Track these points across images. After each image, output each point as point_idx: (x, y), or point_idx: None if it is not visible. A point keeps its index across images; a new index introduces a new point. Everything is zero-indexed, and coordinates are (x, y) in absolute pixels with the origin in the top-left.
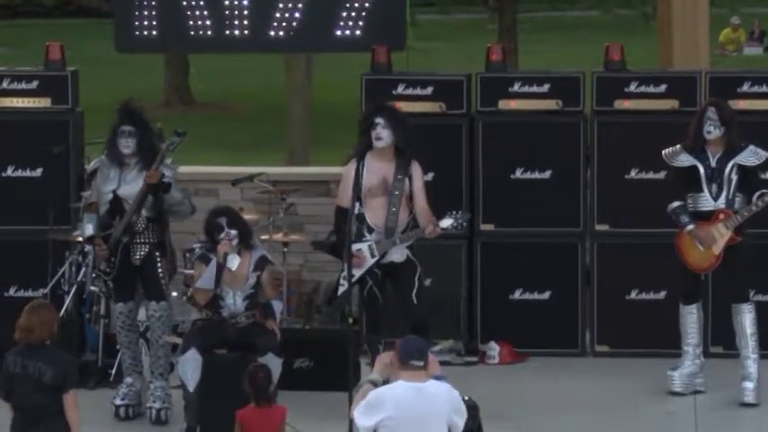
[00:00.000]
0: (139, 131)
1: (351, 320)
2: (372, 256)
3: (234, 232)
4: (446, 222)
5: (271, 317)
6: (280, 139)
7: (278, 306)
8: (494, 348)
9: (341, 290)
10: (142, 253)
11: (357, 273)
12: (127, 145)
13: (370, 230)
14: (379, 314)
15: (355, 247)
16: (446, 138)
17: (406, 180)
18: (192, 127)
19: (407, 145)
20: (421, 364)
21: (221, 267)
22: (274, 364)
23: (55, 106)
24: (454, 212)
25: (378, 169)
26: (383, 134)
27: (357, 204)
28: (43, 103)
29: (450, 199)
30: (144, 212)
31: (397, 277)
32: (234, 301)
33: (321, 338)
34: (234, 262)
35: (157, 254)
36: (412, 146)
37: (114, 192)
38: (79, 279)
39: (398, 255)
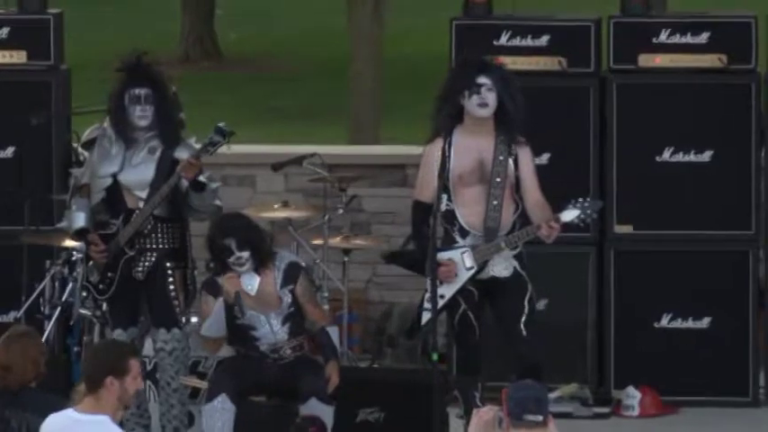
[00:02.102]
0: (159, 96)
1: (436, 357)
2: (467, 268)
3: (245, 255)
4: (569, 215)
5: (331, 355)
6: (339, 108)
7: (332, 334)
8: (633, 396)
9: (424, 316)
10: (147, 263)
11: (446, 292)
12: (144, 114)
13: (464, 233)
14: (475, 349)
15: (443, 256)
16: (567, 106)
17: (511, 162)
18: (219, 90)
19: (516, 116)
20: (540, 418)
21: (232, 307)
22: (323, 414)
23: (32, 62)
24: (580, 201)
25: (472, 149)
26: (489, 99)
27: (444, 197)
28: (16, 57)
29: (571, 190)
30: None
31: (501, 299)
32: (271, 328)
33: (395, 382)
34: (252, 283)
35: (169, 265)
36: (520, 117)
37: (114, 176)
38: (64, 298)
39: (502, 267)
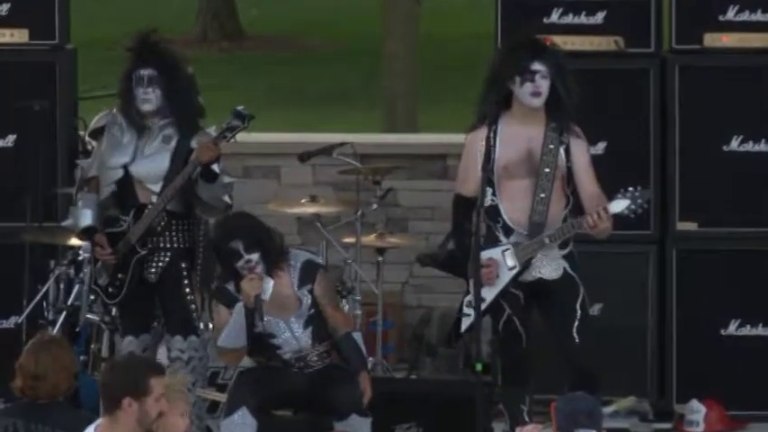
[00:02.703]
0: (166, 77)
1: (479, 367)
2: (509, 267)
3: (255, 257)
4: (617, 206)
5: (360, 365)
6: (372, 92)
7: (360, 341)
8: (697, 410)
9: (464, 322)
10: (160, 264)
11: (487, 295)
12: (146, 97)
13: (508, 231)
14: (521, 358)
15: (485, 255)
16: (624, 90)
17: (562, 152)
18: (239, 73)
19: (569, 103)
20: None
21: (252, 312)
22: (361, 428)
23: (35, 42)
24: (630, 190)
25: (519, 138)
26: (543, 87)
27: (489, 191)
28: (17, 36)
29: (629, 183)
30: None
31: (550, 303)
32: (292, 333)
33: (435, 394)
34: (266, 288)
35: (184, 265)
36: (573, 104)
37: (125, 167)
38: (70, 302)
39: (551, 268)
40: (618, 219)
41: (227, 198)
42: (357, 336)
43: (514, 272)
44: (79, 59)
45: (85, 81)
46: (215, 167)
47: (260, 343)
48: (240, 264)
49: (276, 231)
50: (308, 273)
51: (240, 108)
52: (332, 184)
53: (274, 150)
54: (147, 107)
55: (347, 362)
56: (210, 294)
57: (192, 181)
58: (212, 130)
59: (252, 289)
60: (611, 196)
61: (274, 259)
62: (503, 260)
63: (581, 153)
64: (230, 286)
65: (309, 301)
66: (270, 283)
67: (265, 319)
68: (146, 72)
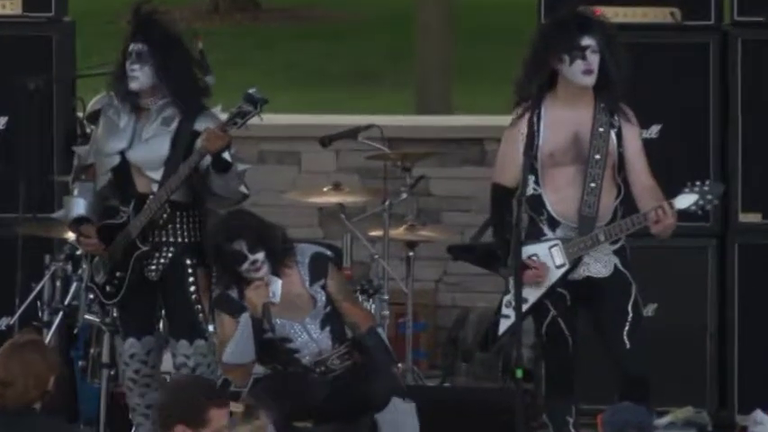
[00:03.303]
0: (158, 52)
1: (520, 374)
2: (557, 265)
3: (260, 257)
4: (684, 201)
5: (387, 361)
6: (402, 69)
7: (382, 335)
8: (761, 422)
9: (502, 324)
10: (162, 261)
11: (530, 295)
12: (133, 74)
13: (554, 224)
14: (567, 364)
15: (529, 250)
16: (681, 67)
17: (613, 136)
18: (255, 48)
19: (619, 81)
20: None
21: (261, 322)
22: (407, 415)
23: (29, 14)
24: (697, 184)
25: (566, 121)
26: (594, 63)
27: (531, 179)
28: (9, 7)
29: (686, 169)
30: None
31: (599, 303)
32: (309, 335)
33: (471, 403)
34: (274, 289)
35: (189, 262)
36: (624, 82)
37: (123, 153)
38: (67, 302)
39: (600, 265)
40: (677, 212)
41: (243, 188)
42: (381, 332)
43: (563, 270)
44: (78, 33)
45: (85, 57)
46: (226, 156)
47: (274, 350)
48: (245, 267)
49: (277, 226)
50: (319, 267)
51: (252, 91)
52: (357, 171)
53: (293, 134)
54: (133, 85)
55: (372, 362)
56: (212, 303)
57: (202, 172)
58: (218, 111)
59: (259, 297)
60: (675, 190)
61: (280, 257)
62: (550, 257)
63: (633, 137)
64: (233, 293)
65: (324, 299)
66: (278, 283)
67: (278, 321)
68: (135, 47)
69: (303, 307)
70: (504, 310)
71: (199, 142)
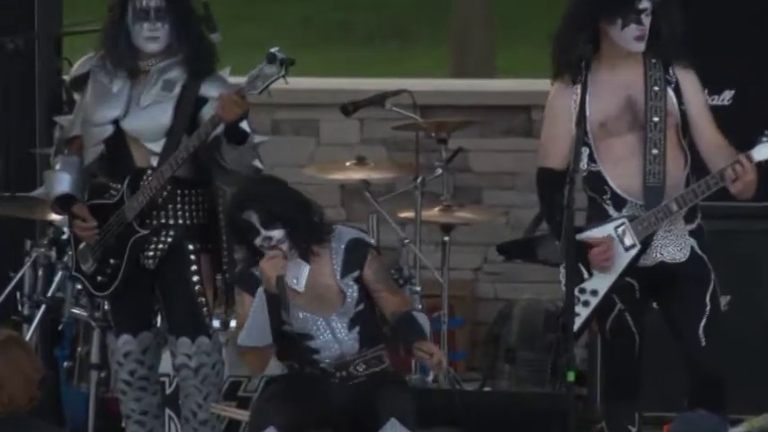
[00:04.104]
0: (176, 7)
1: (573, 377)
2: (626, 247)
3: (277, 234)
4: (764, 151)
5: (417, 335)
6: (437, 26)
7: (426, 318)
8: None
9: (579, 320)
10: (162, 246)
11: (599, 285)
12: (154, 35)
13: (620, 202)
14: (632, 365)
15: (595, 235)
16: (755, 25)
17: (671, 92)
18: (267, 1)
19: (671, 43)
20: None
21: (278, 300)
22: None
23: None
24: None
25: (615, 86)
26: (647, 26)
27: (585, 154)
28: None
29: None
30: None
31: (672, 293)
32: (333, 335)
33: (516, 410)
34: (298, 275)
35: (192, 248)
36: (677, 41)
37: (117, 123)
38: (51, 294)
39: (675, 248)
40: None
41: (257, 162)
42: (420, 316)
43: (633, 252)
44: None
45: (72, 12)
46: (244, 125)
47: (292, 346)
48: (258, 241)
49: (314, 204)
50: (355, 256)
51: (275, 50)
52: (384, 143)
53: (311, 100)
54: (153, 47)
55: (401, 339)
56: (232, 280)
57: (210, 143)
58: (226, 74)
59: (272, 269)
60: (747, 142)
61: (308, 238)
62: (617, 239)
63: (694, 90)
64: (257, 271)
65: (356, 294)
66: (304, 270)
67: (300, 315)
68: (152, 2)
69: (331, 301)
70: (577, 306)
71: (209, 109)
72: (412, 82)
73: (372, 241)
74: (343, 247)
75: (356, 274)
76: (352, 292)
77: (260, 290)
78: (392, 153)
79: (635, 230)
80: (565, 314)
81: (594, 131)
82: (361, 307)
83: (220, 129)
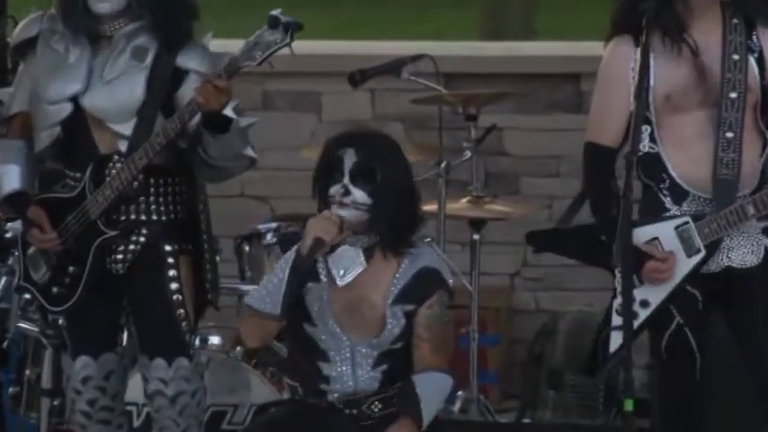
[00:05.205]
0: None
1: (630, 405)
2: (690, 252)
3: (360, 196)
4: None
5: (407, 406)
6: None
7: (444, 382)
8: None
9: (614, 338)
10: (133, 247)
11: (652, 296)
12: None
13: (679, 194)
14: (694, 391)
15: (645, 234)
16: None
17: (753, 63)
18: None
19: None
20: None
21: (303, 268)
22: None
23: None
24: None
25: (687, 51)
26: None
27: (645, 132)
28: None
29: None
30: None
31: (743, 304)
32: (352, 367)
33: None
34: (349, 266)
35: (169, 249)
36: None
37: (76, 99)
38: None
39: (746, 250)
40: None
41: (249, 150)
42: (440, 377)
43: (697, 259)
44: None
45: None
46: (229, 112)
47: (304, 359)
48: (333, 190)
49: (419, 203)
50: (421, 288)
51: (277, 12)
52: (401, 120)
53: (311, 68)
54: (103, 7)
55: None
56: (277, 241)
57: (190, 132)
58: (208, 39)
59: (318, 228)
60: None
61: (386, 231)
62: (678, 242)
63: None
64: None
65: (398, 331)
66: (357, 265)
67: (330, 323)
68: None
69: (368, 325)
70: (616, 320)
71: (191, 86)
72: (434, 45)
73: (450, 279)
74: (413, 271)
75: (411, 308)
76: (395, 325)
77: (292, 249)
78: (410, 132)
79: (701, 233)
80: (622, 327)
81: (658, 105)
82: (398, 346)
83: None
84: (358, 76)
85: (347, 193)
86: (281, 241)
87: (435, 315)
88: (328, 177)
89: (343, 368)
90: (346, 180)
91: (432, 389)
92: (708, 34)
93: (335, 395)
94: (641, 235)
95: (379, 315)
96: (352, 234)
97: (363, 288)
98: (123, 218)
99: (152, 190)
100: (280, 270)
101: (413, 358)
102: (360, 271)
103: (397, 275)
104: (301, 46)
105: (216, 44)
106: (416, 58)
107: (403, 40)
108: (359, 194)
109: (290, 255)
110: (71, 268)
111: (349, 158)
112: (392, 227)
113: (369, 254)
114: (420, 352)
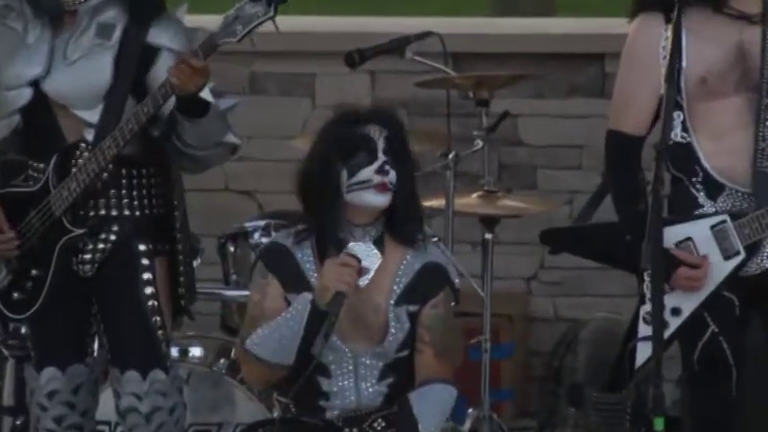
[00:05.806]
0: None
1: (661, 425)
2: (726, 255)
3: (393, 176)
4: None
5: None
6: None
7: (446, 394)
8: None
9: (640, 350)
10: (102, 246)
11: (684, 303)
12: None
13: (713, 188)
14: (731, 407)
15: (677, 233)
16: None
17: None
18: None
19: None
20: None
21: (324, 318)
22: None
23: None
24: None
25: (722, 31)
26: None
27: (677, 119)
28: None
29: None
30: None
31: None
32: (355, 381)
33: None
34: (367, 264)
35: (143, 248)
36: None
37: (37, 84)
38: None
39: None
40: None
41: (230, 137)
42: (441, 390)
43: (735, 263)
44: None
45: None
46: (206, 95)
47: (302, 376)
48: (366, 174)
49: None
50: (425, 285)
51: None
52: (404, 106)
53: (304, 47)
54: None
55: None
56: (260, 252)
57: (163, 117)
58: (183, 12)
59: (337, 278)
60: None
61: (404, 213)
62: (714, 244)
63: None
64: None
65: (402, 336)
66: (373, 253)
67: (333, 337)
68: None
69: (369, 331)
70: (643, 329)
71: (163, 66)
72: (441, 21)
73: (456, 279)
74: (417, 267)
75: (414, 308)
76: (399, 330)
77: (304, 297)
78: (414, 119)
79: (740, 233)
80: (651, 338)
81: (691, 89)
82: (404, 354)
83: (173, 101)
84: (356, 57)
85: (386, 171)
86: (265, 247)
87: (440, 316)
88: (349, 160)
89: (345, 382)
90: (382, 158)
91: (430, 405)
92: (747, 10)
93: (335, 412)
94: (672, 235)
95: (382, 318)
96: (353, 226)
97: (365, 290)
98: (91, 213)
99: (123, 182)
100: (293, 321)
101: (414, 364)
102: (378, 264)
103: (399, 272)
104: (294, 22)
105: (191, 20)
106: (421, 36)
107: (405, 17)
108: (392, 175)
109: (304, 304)
110: (34, 271)
111: (379, 135)
112: (410, 211)
113: (379, 246)
114: (422, 357)
